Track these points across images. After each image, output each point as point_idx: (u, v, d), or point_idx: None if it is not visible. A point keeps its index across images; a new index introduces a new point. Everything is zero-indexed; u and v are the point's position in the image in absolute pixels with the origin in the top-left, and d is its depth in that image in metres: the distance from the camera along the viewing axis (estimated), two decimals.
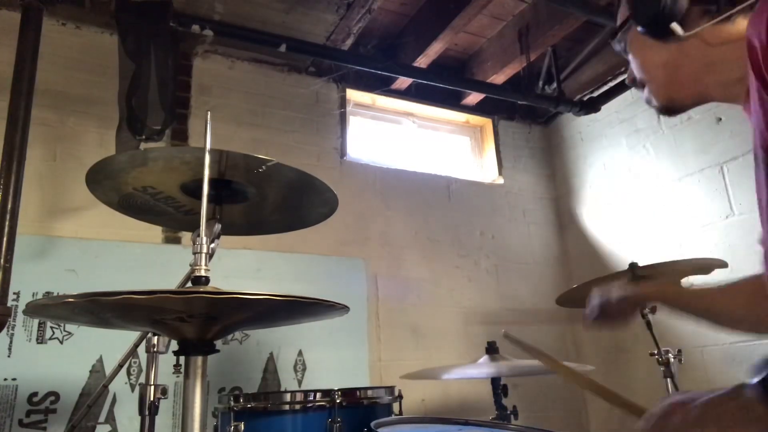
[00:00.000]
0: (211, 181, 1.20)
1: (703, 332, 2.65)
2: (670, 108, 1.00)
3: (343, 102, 3.15)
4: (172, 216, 1.50)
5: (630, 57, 1.01)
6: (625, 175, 3.20)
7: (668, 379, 1.94)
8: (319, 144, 2.99)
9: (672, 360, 1.93)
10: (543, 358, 1.21)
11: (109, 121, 2.45)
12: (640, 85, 1.02)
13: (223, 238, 1.36)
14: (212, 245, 1.20)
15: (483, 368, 1.99)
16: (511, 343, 1.34)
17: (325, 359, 2.59)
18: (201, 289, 1.08)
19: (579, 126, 3.53)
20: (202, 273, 1.14)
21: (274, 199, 1.47)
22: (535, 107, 3.61)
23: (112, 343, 2.06)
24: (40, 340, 2.14)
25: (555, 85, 3.32)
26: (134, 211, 1.48)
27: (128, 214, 1.50)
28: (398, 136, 3.43)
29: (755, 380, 0.66)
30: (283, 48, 2.62)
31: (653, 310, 1.99)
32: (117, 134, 2.44)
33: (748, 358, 2.50)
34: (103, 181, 1.30)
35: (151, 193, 1.35)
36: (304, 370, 2.54)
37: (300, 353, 2.56)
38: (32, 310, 0.98)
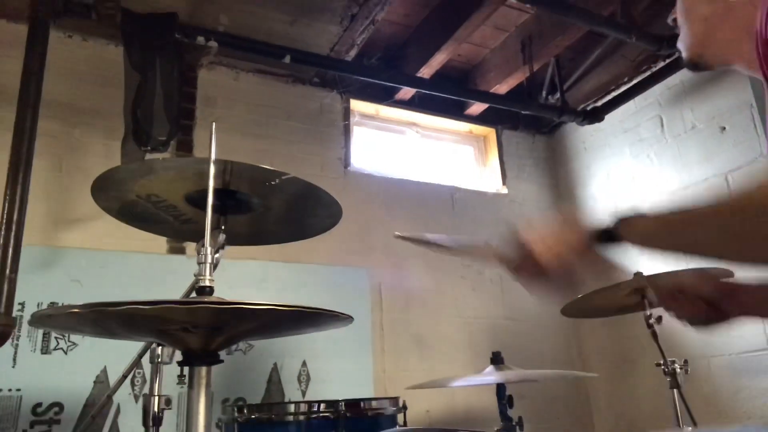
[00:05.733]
0: (216, 192, 1.20)
1: (710, 342, 2.63)
2: (696, 64, 0.96)
3: (346, 112, 3.16)
4: (171, 225, 1.50)
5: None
6: (629, 184, 3.19)
7: (674, 390, 1.93)
8: (323, 154, 3.00)
9: (678, 370, 1.92)
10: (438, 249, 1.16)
11: (114, 132, 2.47)
12: (679, 28, 0.97)
13: (227, 248, 1.36)
14: (217, 255, 1.20)
15: (488, 379, 1.98)
16: (405, 240, 1.27)
17: (329, 370, 2.58)
18: (205, 300, 1.08)
19: (582, 135, 3.54)
20: (207, 283, 1.15)
21: (279, 210, 1.47)
22: (539, 117, 3.62)
23: (117, 353, 2.06)
24: (45, 350, 2.14)
25: (558, 95, 3.33)
26: (133, 219, 1.48)
27: (127, 221, 1.50)
28: (402, 146, 3.44)
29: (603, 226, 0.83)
30: (287, 59, 2.64)
31: (659, 320, 1.99)
32: (122, 145, 2.46)
33: (756, 368, 2.48)
34: (107, 189, 1.31)
35: (154, 201, 1.36)
36: (308, 380, 2.54)
37: (304, 364, 2.55)
38: (37, 320, 0.99)
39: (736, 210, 0.70)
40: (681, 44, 0.96)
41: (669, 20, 1.01)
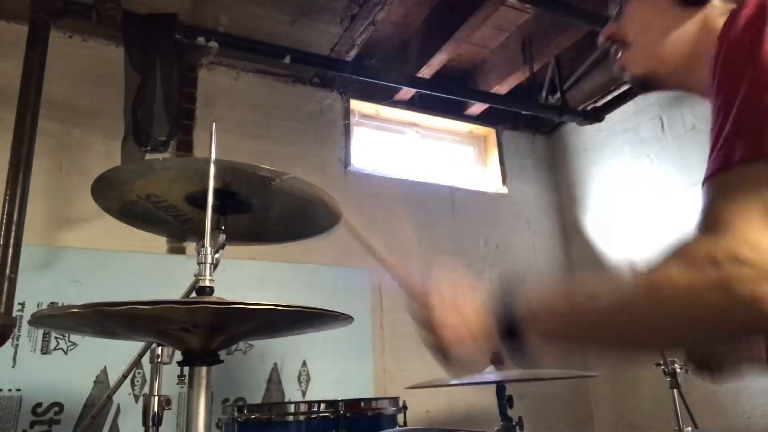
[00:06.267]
0: (216, 192, 1.20)
1: None
2: (646, 82, 0.90)
3: (347, 113, 3.17)
4: (171, 225, 1.49)
5: (628, 10, 0.90)
6: (630, 184, 3.19)
7: (674, 390, 1.93)
8: (324, 154, 3.00)
9: (678, 370, 1.92)
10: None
11: (114, 132, 2.47)
12: (618, 44, 0.91)
13: (227, 248, 1.36)
14: (217, 255, 1.20)
15: (487, 377, 1.98)
16: (349, 231, 1.20)
17: (329, 370, 2.59)
18: (205, 300, 1.08)
19: (583, 136, 3.54)
20: (207, 283, 1.14)
21: (279, 211, 1.47)
22: (539, 117, 3.62)
23: (117, 353, 2.06)
24: (45, 350, 2.15)
25: (558, 95, 3.33)
26: (133, 219, 1.47)
27: (127, 222, 1.50)
28: (402, 146, 3.44)
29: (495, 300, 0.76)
30: (287, 59, 2.64)
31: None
32: (123, 145, 2.46)
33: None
34: (107, 189, 1.31)
35: (154, 201, 1.36)
36: (308, 380, 2.54)
37: (304, 364, 2.55)
38: (37, 320, 0.99)
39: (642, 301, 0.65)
40: (626, 62, 0.90)
41: (599, 41, 0.95)
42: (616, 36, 0.91)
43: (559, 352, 0.72)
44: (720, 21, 0.74)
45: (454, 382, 2.04)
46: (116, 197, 1.34)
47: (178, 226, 1.50)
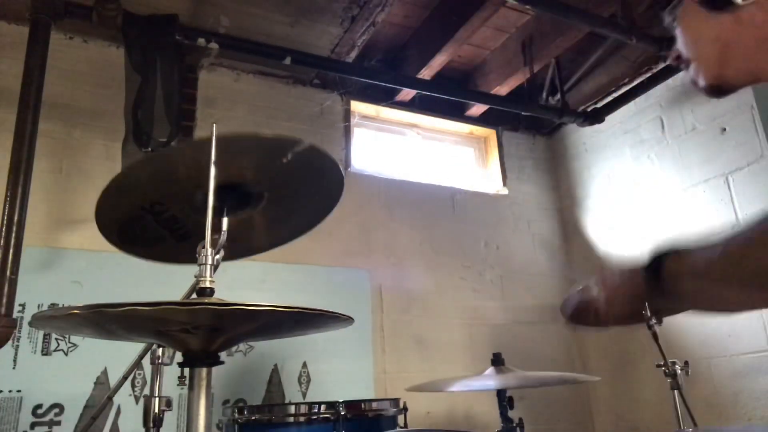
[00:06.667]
0: (218, 189, 1.20)
1: (711, 344, 2.63)
2: (719, 88, 0.93)
3: (347, 114, 3.17)
4: (168, 242, 1.48)
5: (678, 32, 0.95)
6: (630, 185, 3.19)
7: (675, 391, 1.92)
8: None
9: (679, 372, 1.91)
10: None
11: (115, 133, 2.47)
12: (685, 63, 0.96)
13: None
14: (217, 257, 1.20)
15: (488, 380, 1.98)
16: None
17: (329, 371, 2.58)
18: (206, 301, 1.08)
19: (583, 137, 3.54)
20: (207, 284, 1.14)
21: (282, 195, 1.42)
22: (539, 118, 3.62)
23: (117, 354, 2.06)
24: (45, 351, 2.14)
25: (559, 96, 3.33)
26: (131, 242, 1.46)
27: (124, 248, 1.48)
28: (402, 147, 3.44)
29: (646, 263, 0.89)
30: (288, 60, 2.64)
31: (659, 321, 1.98)
32: (123, 147, 2.46)
33: (756, 369, 2.47)
34: (116, 196, 1.30)
35: (157, 211, 1.34)
36: (308, 382, 2.53)
37: (304, 365, 2.55)
38: (38, 321, 0.98)
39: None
40: (695, 76, 0.94)
41: (670, 61, 1.03)
42: (680, 56, 0.97)
43: (696, 297, 0.85)
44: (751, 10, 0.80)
45: (454, 385, 2.04)
46: (123, 205, 1.33)
47: (175, 244, 1.49)
